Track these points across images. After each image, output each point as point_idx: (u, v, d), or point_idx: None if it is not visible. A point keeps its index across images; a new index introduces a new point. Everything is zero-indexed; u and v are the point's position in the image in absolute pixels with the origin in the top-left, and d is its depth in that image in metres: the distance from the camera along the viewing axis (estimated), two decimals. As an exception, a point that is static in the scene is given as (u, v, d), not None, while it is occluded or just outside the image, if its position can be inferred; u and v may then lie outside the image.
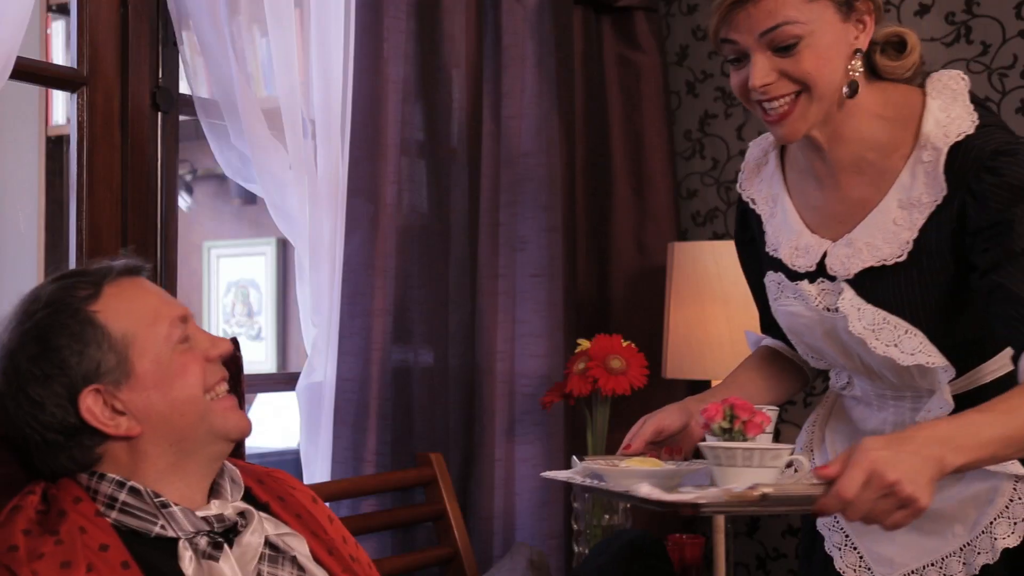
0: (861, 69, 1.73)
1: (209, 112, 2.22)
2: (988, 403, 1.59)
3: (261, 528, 1.54)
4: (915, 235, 1.74)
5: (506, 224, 2.78)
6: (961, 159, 1.70)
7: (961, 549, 1.80)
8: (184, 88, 2.22)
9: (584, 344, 2.68)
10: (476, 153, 2.70)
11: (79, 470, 1.50)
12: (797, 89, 1.70)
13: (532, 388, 2.79)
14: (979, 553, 1.78)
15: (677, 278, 2.89)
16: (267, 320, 4.46)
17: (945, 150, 1.71)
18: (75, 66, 2.03)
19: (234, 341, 1.73)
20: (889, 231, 1.76)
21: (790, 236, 1.87)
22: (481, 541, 2.65)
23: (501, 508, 2.73)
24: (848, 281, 1.79)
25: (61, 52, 3.06)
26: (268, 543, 1.55)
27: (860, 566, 1.88)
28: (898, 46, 1.77)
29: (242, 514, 1.54)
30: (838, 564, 1.90)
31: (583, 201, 3.11)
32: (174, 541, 1.48)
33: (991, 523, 1.78)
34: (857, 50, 1.72)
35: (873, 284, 1.77)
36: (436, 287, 2.58)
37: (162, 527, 1.48)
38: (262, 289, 4.47)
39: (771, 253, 1.90)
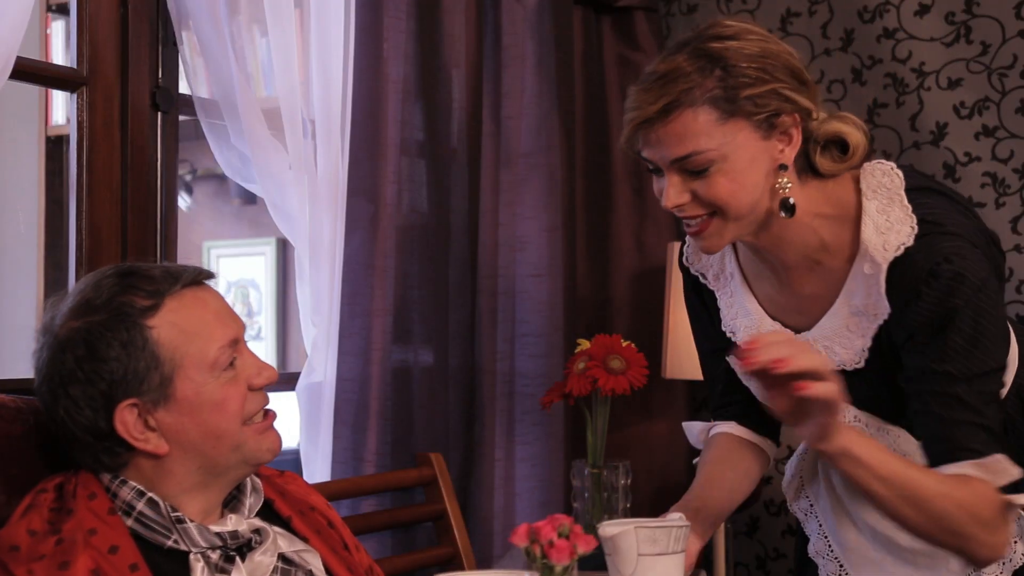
0: (790, 185, 1.64)
1: (209, 112, 2.21)
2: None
3: (275, 547, 1.54)
4: (868, 343, 1.69)
5: (506, 224, 2.78)
6: (899, 277, 1.63)
7: None
8: (184, 88, 2.22)
9: (584, 344, 2.68)
10: (476, 153, 2.70)
11: (104, 471, 1.51)
12: (710, 211, 1.63)
13: (532, 388, 2.79)
14: None
15: (677, 278, 2.88)
16: (267, 320, 4.45)
17: (885, 267, 1.64)
18: (75, 66, 2.03)
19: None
20: (844, 337, 1.70)
21: (748, 322, 1.81)
22: (481, 541, 2.65)
23: (501, 508, 2.73)
24: None
25: (61, 52, 3.05)
26: (282, 557, 1.55)
27: None
28: (840, 144, 1.68)
29: (257, 531, 1.54)
30: None
31: (583, 201, 3.11)
32: (186, 553, 1.49)
33: None
34: (782, 165, 1.63)
35: (842, 382, 1.71)
36: (436, 287, 2.58)
37: (175, 541, 1.48)
38: (262, 289, 4.47)
39: (729, 335, 1.84)
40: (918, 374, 1.64)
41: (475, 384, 2.69)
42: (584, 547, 1.35)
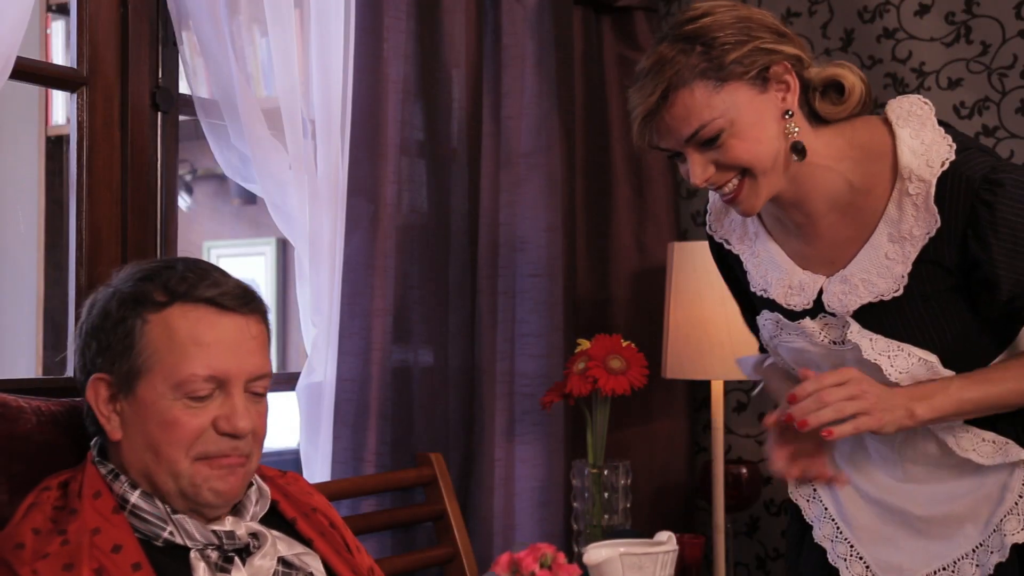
0: (797, 129, 1.72)
1: (209, 112, 2.21)
2: (972, 372, 1.74)
3: (274, 551, 1.54)
4: (908, 268, 1.73)
5: (506, 224, 2.78)
6: (951, 188, 1.69)
7: (974, 551, 1.80)
8: (184, 88, 2.22)
9: (584, 344, 2.68)
10: (476, 153, 2.70)
11: (97, 435, 1.53)
12: (737, 174, 1.71)
13: (532, 388, 2.78)
14: (992, 552, 1.78)
15: (677, 278, 2.89)
16: (267, 320, 4.45)
17: (934, 182, 1.70)
18: (75, 66, 2.03)
19: None
20: (883, 265, 1.75)
21: (780, 275, 1.85)
22: (481, 541, 2.65)
23: (501, 508, 2.73)
24: (852, 315, 1.78)
25: (61, 52, 3.06)
26: (282, 561, 1.55)
27: None
28: (837, 88, 1.75)
29: (254, 535, 1.54)
30: (844, 575, 1.89)
31: (583, 201, 3.11)
32: (185, 550, 1.48)
33: (1001, 520, 1.78)
34: (787, 111, 1.71)
35: (877, 317, 1.77)
36: (436, 287, 2.58)
37: (170, 533, 1.48)
38: (262, 289, 4.46)
39: (760, 294, 1.89)
40: (1016, 285, 1.70)
41: (475, 384, 2.69)
42: None
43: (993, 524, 1.79)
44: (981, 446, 1.78)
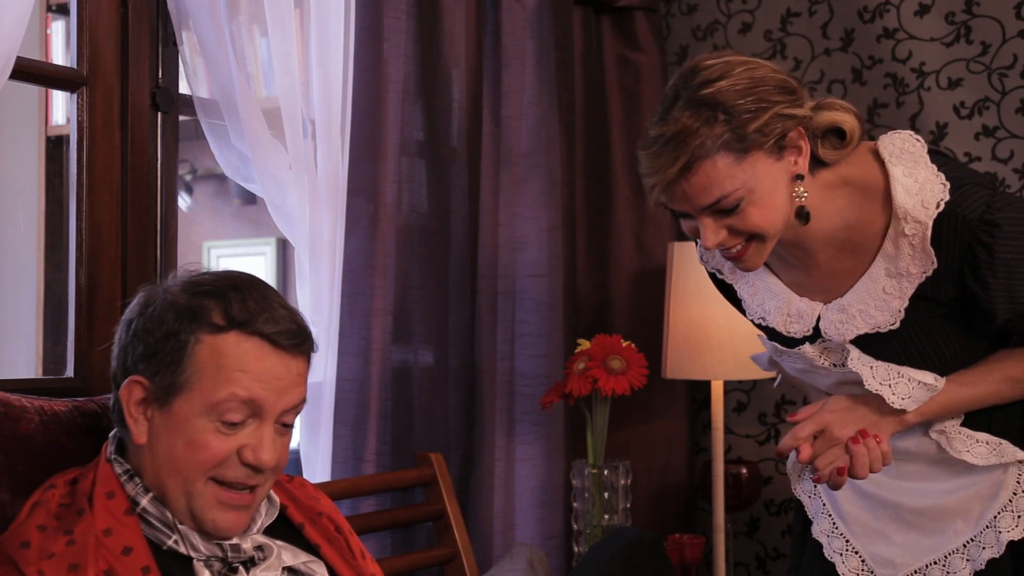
0: (807, 193, 1.72)
1: (209, 112, 2.21)
2: (956, 374, 1.79)
3: (278, 563, 1.54)
4: (905, 303, 1.75)
5: (506, 224, 2.78)
6: (947, 229, 1.70)
7: (964, 546, 1.82)
8: (184, 88, 2.21)
9: (584, 344, 2.68)
10: (476, 153, 2.70)
11: (120, 431, 1.52)
12: (746, 237, 1.71)
13: (532, 388, 2.79)
14: (984, 548, 1.80)
15: (677, 278, 2.89)
16: (267, 320, 4.44)
17: (930, 224, 1.70)
18: (75, 66, 2.03)
19: None
20: (880, 299, 1.77)
21: (778, 304, 1.87)
22: (481, 541, 2.65)
23: (501, 508, 2.73)
24: (850, 341, 1.80)
25: (61, 52, 3.06)
26: (289, 570, 1.55)
27: (863, 570, 1.90)
28: (837, 132, 1.74)
29: (260, 547, 1.54)
30: (840, 569, 1.91)
31: (583, 201, 3.11)
32: (189, 557, 1.49)
33: (995, 517, 1.80)
34: (798, 175, 1.71)
35: (874, 342, 1.79)
36: (436, 287, 2.58)
37: (175, 542, 1.48)
38: (262, 289, 4.46)
39: (758, 322, 1.91)
40: (1016, 318, 1.74)
41: (475, 384, 2.69)
42: None
43: (986, 520, 1.81)
44: (975, 447, 1.80)
